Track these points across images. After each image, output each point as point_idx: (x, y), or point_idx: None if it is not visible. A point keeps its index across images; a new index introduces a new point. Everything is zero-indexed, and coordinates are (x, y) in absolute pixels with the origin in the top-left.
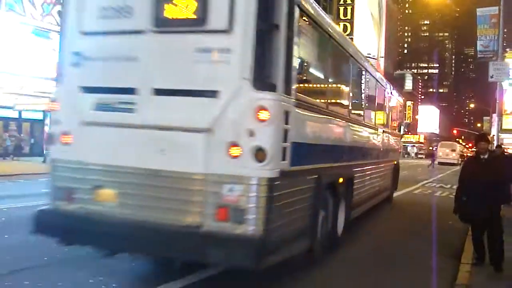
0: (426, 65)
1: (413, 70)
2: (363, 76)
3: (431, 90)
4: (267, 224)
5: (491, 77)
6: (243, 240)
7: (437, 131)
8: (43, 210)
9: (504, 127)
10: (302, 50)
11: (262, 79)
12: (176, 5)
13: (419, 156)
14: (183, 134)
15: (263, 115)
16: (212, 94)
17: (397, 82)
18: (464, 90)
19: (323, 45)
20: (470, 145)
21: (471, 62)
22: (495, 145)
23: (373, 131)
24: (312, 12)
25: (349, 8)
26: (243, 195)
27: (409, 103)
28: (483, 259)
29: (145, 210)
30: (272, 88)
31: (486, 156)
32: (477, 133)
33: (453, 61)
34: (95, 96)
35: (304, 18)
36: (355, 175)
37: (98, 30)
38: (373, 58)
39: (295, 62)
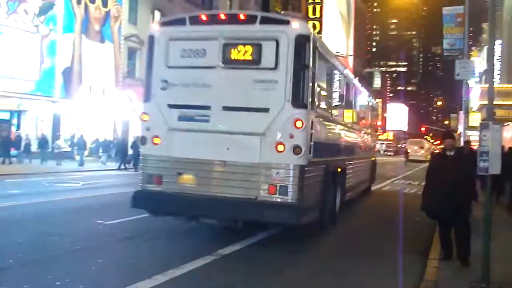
0: (394, 63)
1: (381, 68)
2: (353, 90)
3: (399, 88)
4: (301, 195)
5: (457, 75)
6: (286, 206)
7: (405, 129)
8: (138, 191)
9: (470, 124)
10: (318, 79)
11: (297, 100)
12: (238, 50)
13: (388, 153)
14: (244, 137)
15: (299, 124)
16: (264, 110)
17: (366, 80)
18: (431, 88)
19: (329, 73)
20: (438, 142)
21: (438, 60)
22: (461, 142)
23: (358, 133)
24: (324, 52)
25: (318, 7)
26: (285, 176)
27: (377, 100)
28: (450, 255)
29: (216, 188)
30: (304, 106)
31: (452, 153)
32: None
33: (421, 60)
34: (179, 110)
35: (319, 57)
36: (347, 167)
37: (180, 65)
38: (342, 56)
39: (316, 88)
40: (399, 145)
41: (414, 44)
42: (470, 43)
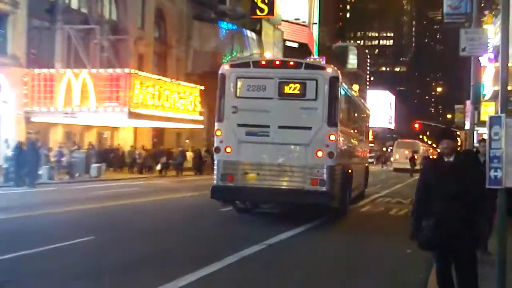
0: (376, 34)
1: (358, 42)
2: (359, 109)
3: (383, 68)
4: (332, 187)
5: (463, 50)
6: (323, 193)
7: (392, 125)
8: (214, 186)
9: (483, 118)
10: (342, 105)
11: (331, 121)
12: (290, 87)
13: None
14: (294, 147)
15: (332, 137)
16: (308, 128)
17: (337, 58)
18: (428, 69)
19: (347, 100)
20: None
21: (437, 30)
22: (475, 142)
23: (360, 142)
24: (346, 87)
25: None
26: (323, 173)
27: (354, 88)
28: None
29: (273, 182)
30: (335, 125)
31: (452, 159)
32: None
33: (414, 29)
34: (246, 128)
35: (343, 91)
36: (353, 169)
37: (246, 96)
38: (303, 25)
39: (342, 113)
40: (384, 149)
41: (405, 8)
42: (482, 5)
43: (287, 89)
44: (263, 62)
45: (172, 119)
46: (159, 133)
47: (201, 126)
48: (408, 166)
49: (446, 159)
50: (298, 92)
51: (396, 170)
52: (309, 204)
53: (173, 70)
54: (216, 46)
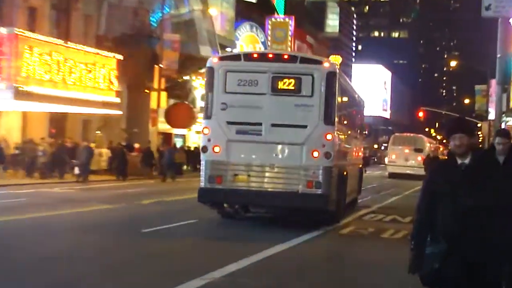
0: None
1: None
2: (358, 106)
3: (376, 33)
4: (329, 189)
5: (487, 8)
6: (319, 196)
7: (386, 114)
8: (202, 188)
9: None
10: (339, 103)
11: (327, 119)
12: (284, 82)
13: None
14: (288, 146)
15: (329, 136)
16: (303, 126)
17: (310, 18)
18: (438, 35)
19: (346, 97)
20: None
21: None
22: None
23: (355, 141)
24: (344, 83)
25: None
26: (319, 175)
27: (333, 59)
28: None
29: (266, 184)
30: (332, 123)
31: (467, 161)
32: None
33: None
34: (236, 126)
35: (341, 87)
36: (348, 171)
37: (237, 91)
38: None
39: (339, 110)
40: (375, 146)
41: None
42: None
43: (281, 85)
44: (255, 55)
45: (77, 101)
46: (58, 121)
47: (119, 112)
48: (410, 171)
49: (459, 161)
50: (293, 87)
51: (393, 175)
52: (304, 208)
53: (79, 31)
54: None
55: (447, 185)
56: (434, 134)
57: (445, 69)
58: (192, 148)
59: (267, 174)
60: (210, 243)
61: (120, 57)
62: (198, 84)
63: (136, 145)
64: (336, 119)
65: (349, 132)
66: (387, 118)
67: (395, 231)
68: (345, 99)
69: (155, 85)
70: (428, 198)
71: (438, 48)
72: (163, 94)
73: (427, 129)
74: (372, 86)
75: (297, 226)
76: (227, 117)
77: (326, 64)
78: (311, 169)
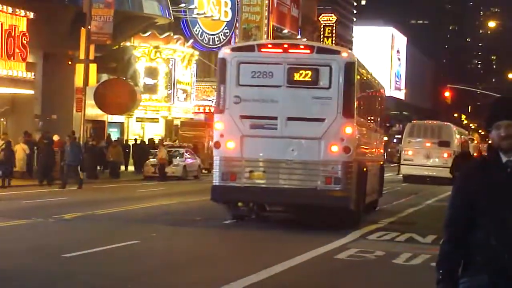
0: None
1: None
2: (379, 97)
3: None
4: (349, 185)
5: None
6: (339, 192)
7: (400, 94)
8: (215, 185)
9: None
10: (359, 94)
11: (346, 112)
12: (300, 74)
13: None
14: (305, 141)
15: (348, 130)
16: (321, 120)
17: None
18: None
19: (366, 88)
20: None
21: None
22: None
23: (376, 135)
24: (363, 73)
25: None
26: (338, 170)
27: (327, 19)
28: None
29: (282, 181)
30: (351, 116)
31: None
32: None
33: None
34: (251, 120)
35: (361, 77)
36: (368, 168)
37: (251, 84)
38: None
39: (358, 102)
40: (385, 138)
41: None
42: None
43: (297, 76)
44: (270, 45)
45: None
46: None
47: (30, 92)
48: (433, 172)
49: (504, 159)
50: (310, 79)
51: (409, 178)
52: (322, 205)
53: None
54: None
55: (488, 192)
56: (465, 122)
57: (481, 31)
58: (132, 142)
59: (283, 170)
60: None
61: (32, 15)
62: (140, 53)
63: (55, 138)
64: (356, 112)
65: (369, 125)
66: (401, 99)
67: (412, 255)
68: (364, 89)
69: (81, 55)
70: (461, 210)
71: (471, 3)
72: (93, 67)
73: (456, 115)
74: (381, 56)
75: (295, 241)
76: (240, 111)
77: (344, 54)
78: (329, 164)
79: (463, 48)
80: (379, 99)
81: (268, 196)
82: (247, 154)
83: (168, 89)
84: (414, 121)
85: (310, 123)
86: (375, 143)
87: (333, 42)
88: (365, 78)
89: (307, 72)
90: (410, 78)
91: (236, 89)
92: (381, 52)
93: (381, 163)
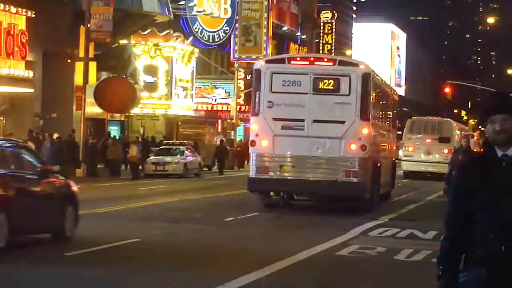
0: None
1: None
2: (391, 102)
3: None
4: (365, 178)
5: None
6: (357, 184)
7: (401, 90)
8: (251, 178)
9: None
10: (374, 99)
11: (363, 115)
12: (324, 82)
13: None
14: (328, 140)
15: (365, 131)
16: (341, 122)
17: None
18: None
19: (380, 94)
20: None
21: None
22: None
23: (388, 133)
24: (378, 82)
25: None
26: (356, 165)
27: (324, 17)
28: None
29: (308, 174)
30: (368, 119)
31: (511, 152)
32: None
33: None
34: (281, 122)
35: (375, 86)
36: (382, 163)
37: (282, 91)
38: None
39: (373, 107)
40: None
41: None
42: None
43: (321, 85)
44: (298, 58)
45: None
46: None
47: (30, 90)
48: (434, 168)
49: (500, 153)
50: (332, 87)
51: (410, 175)
52: (342, 195)
53: None
54: None
55: (484, 186)
56: (465, 118)
57: (480, 27)
58: (135, 139)
59: (309, 165)
60: None
61: (31, 13)
62: (140, 51)
63: (55, 136)
64: (371, 115)
65: (383, 126)
66: (401, 96)
67: (413, 251)
68: (379, 96)
69: (81, 53)
70: (459, 206)
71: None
72: (92, 65)
73: (456, 111)
74: (381, 53)
75: (296, 238)
76: (273, 114)
77: (362, 66)
78: (349, 160)
79: (462, 45)
80: (392, 102)
81: (296, 187)
82: (278, 151)
83: (168, 87)
84: (414, 117)
85: (332, 125)
86: (388, 142)
87: (333, 39)
88: (379, 85)
89: (330, 81)
90: (410, 75)
91: (269, 95)
92: (381, 49)
93: (393, 159)
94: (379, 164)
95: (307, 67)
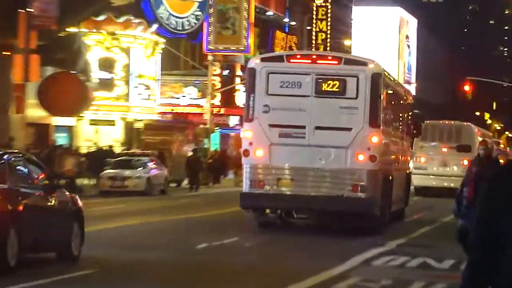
0: None
1: None
2: (406, 106)
3: None
4: (374, 193)
5: None
6: (365, 200)
7: (411, 88)
8: (244, 193)
9: None
10: (386, 104)
11: (373, 122)
12: (328, 84)
13: None
14: (332, 149)
15: (374, 139)
16: (348, 129)
17: None
18: None
19: (392, 98)
20: None
21: None
22: None
23: (402, 143)
24: (390, 83)
25: None
26: (364, 178)
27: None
28: None
29: (310, 188)
30: (378, 126)
31: None
32: None
33: None
34: (279, 129)
35: (387, 88)
36: (395, 176)
37: (279, 93)
38: None
39: (384, 111)
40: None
41: None
42: None
43: (325, 86)
44: (298, 56)
45: None
46: None
47: None
48: (451, 183)
49: None
50: (337, 89)
51: (421, 191)
52: (349, 212)
53: None
54: None
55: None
56: (489, 122)
57: (506, 12)
58: (85, 151)
59: (311, 178)
60: None
61: None
62: (93, 42)
63: None
64: (382, 121)
65: (395, 133)
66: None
67: (426, 284)
68: (391, 99)
69: (20, 44)
70: (489, 225)
71: None
72: (35, 59)
73: (477, 113)
74: (387, 43)
75: (284, 271)
76: (269, 120)
77: (371, 66)
78: (356, 172)
79: (485, 32)
80: (406, 106)
81: (296, 203)
82: (276, 162)
83: (128, 85)
84: (428, 122)
85: (337, 132)
86: (401, 152)
87: (328, 25)
88: (391, 87)
89: (334, 82)
90: (422, 69)
91: (265, 98)
92: (387, 38)
93: (407, 171)
94: (390, 178)
95: (308, 66)
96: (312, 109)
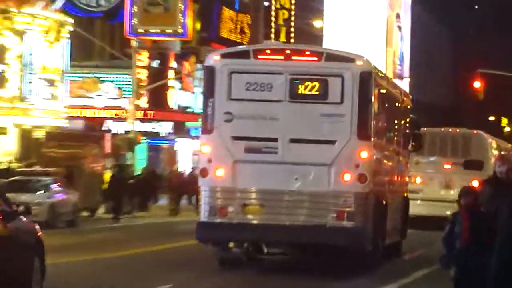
0: None
1: None
2: (404, 112)
3: None
4: (365, 221)
5: None
6: (353, 230)
7: (404, 84)
8: (201, 222)
9: None
10: (378, 111)
11: (362, 133)
12: (306, 86)
13: None
14: (311, 167)
15: (364, 154)
16: (331, 142)
17: None
18: None
19: (387, 103)
20: None
21: None
22: None
23: (399, 160)
24: (383, 84)
25: None
26: (351, 203)
27: None
28: None
29: (284, 216)
30: (368, 138)
31: None
32: None
33: None
34: (245, 142)
35: (380, 90)
36: (389, 200)
37: (245, 98)
38: None
39: (377, 120)
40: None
41: None
42: None
43: (301, 89)
44: (268, 51)
45: None
46: None
47: None
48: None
49: None
50: (317, 92)
51: (416, 220)
52: (333, 245)
53: None
54: None
55: None
56: (508, 129)
57: None
58: None
59: (285, 204)
60: None
61: None
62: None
63: None
64: (373, 132)
65: (390, 147)
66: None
67: None
68: (384, 104)
69: None
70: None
71: None
72: None
73: (492, 118)
74: (371, 25)
75: None
76: (232, 131)
77: (359, 62)
78: (341, 196)
79: (501, 9)
80: (403, 113)
81: (266, 235)
82: (241, 183)
83: (23, 80)
84: (424, 129)
85: (317, 146)
86: (397, 170)
87: (292, 2)
88: (384, 88)
89: (314, 83)
90: (417, 60)
91: (227, 104)
92: (371, 18)
93: (405, 195)
94: (384, 202)
95: (281, 64)
96: (286, 118)
